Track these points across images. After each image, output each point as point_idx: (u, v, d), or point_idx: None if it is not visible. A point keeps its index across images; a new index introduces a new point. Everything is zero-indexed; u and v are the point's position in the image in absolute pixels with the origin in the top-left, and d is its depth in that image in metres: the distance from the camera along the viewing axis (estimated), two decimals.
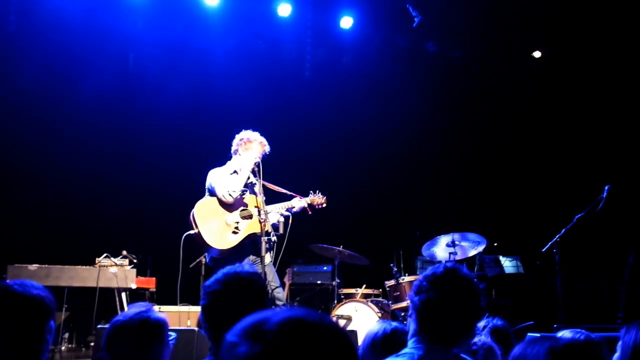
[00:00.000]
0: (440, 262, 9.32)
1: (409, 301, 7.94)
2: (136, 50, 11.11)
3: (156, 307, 7.60)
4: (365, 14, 11.17)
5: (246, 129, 10.83)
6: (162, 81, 11.00)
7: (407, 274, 8.78)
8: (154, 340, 3.03)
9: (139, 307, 3.11)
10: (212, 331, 2.62)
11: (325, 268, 10.14)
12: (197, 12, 10.81)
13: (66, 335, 8.94)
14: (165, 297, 9.10)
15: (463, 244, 8.74)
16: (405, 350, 2.64)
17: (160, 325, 3.07)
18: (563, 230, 8.34)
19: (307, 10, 11.14)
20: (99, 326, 6.92)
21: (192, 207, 11.04)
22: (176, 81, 11.06)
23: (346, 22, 11.17)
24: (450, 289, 2.65)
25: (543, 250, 8.56)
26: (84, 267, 8.71)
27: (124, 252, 8.88)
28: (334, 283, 8.78)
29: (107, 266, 8.65)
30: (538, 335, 4.46)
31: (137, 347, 2.95)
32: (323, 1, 11.15)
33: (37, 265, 8.63)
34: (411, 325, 2.71)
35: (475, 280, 2.76)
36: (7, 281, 2.56)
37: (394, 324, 3.51)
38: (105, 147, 10.64)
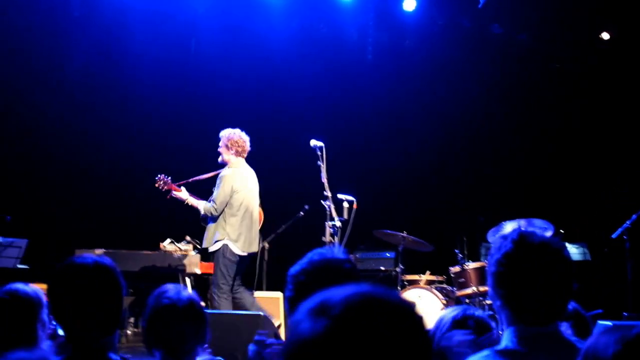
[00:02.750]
0: None
1: (474, 288, 7.82)
2: (198, 35, 11.18)
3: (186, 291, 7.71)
4: None
5: (309, 113, 10.86)
6: (223, 66, 11.06)
7: (471, 261, 8.64)
8: (204, 321, 3.04)
9: (174, 288, 3.10)
10: None
11: (388, 254, 10.05)
12: None
13: (131, 319, 9.07)
14: None
15: (529, 230, 8.53)
16: (505, 342, 2.33)
17: (202, 307, 3.10)
18: (634, 216, 8.11)
19: None
20: None
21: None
22: (237, 66, 11.10)
23: (409, 4, 11.01)
24: (538, 263, 2.31)
25: (613, 236, 8.35)
26: (149, 252, 8.81)
27: (188, 238, 8.95)
28: (397, 269, 8.72)
29: (171, 251, 8.73)
30: (610, 323, 4.29)
31: (186, 330, 2.96)
32: None
33: (103, 249, 8.76)
34: (501, 315, 2.40)
35: (555, 243, 2.40)
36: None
37: (479, 311, 3.33)
38: (167, 133, 10.75)
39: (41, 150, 10.30)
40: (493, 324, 3.27)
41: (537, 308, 2.32)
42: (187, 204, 7.67)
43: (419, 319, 1.15)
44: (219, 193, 7.57)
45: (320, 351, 1.07)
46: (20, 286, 3.01)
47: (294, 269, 2.48)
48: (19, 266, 8.05)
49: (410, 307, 1.16)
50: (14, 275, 7.75)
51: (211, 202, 7.58)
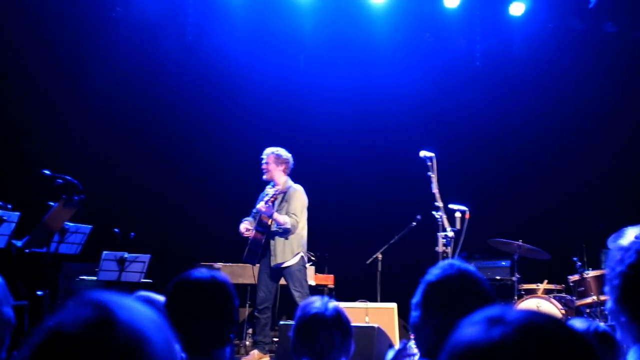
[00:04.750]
0: None
1: (594, 297, 7.47)
2: (306, 50, 11.36)
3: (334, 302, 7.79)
4: None
5: (418, 123, 10.82)
6: (331, 80, 11.19)
7: (590, 269, 8.35)
8: (349, 332, 3.10)
9: (320, 299, 3.17)
10: (435, 331, 2.40)
11: (503, 263, 9.88)
12: (364, 10, 10.91)
13: (250, 330, 9.27)
14: (342, 293, 9.24)
15: None
16: None
17: (348, 319, 3.15)
18: None
19: None
20: (280, 322, 7.15)
21: (365, 205, 11.16)
22: (345, 78, 11.21)
23: (517, 8, 10.83)
24: None
25: None
26: None
27: None
28: (513, 278, 8.54)
29: None
30: None
31: (334, 338, 3.02)
32: None
33: (222, 263, 9.05)
34: (626, 332, 2.21)
35: None
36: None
37: (602, 325, 3.21)
38: (280, 146, 10.96)
39: (162, 169, 10.73)
40: (619, 338, 3.11)
41: None
42: (274, 218, 7.74)
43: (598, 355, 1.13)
44: (297, 207, 7.79)
45: (494, 357, 1.05)
46: (152, 295, 3.18)
47: (432, 277, 2.45)
48: (143, 280, 8.42)
49: (590, 342, 1.13)
50: (139, 289, 8.10)
51: (291, 215, 7.73)
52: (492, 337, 1.06)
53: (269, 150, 7.94)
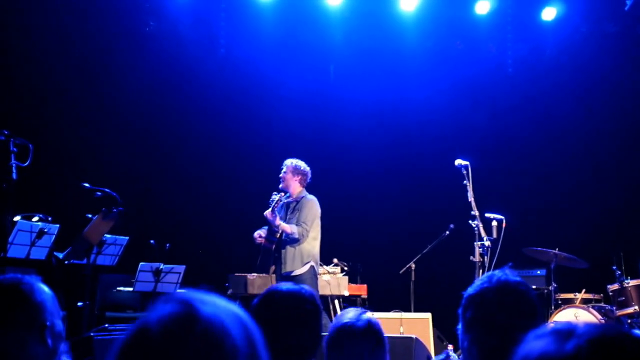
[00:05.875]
0: None
1: (635, 307, 7.36)
2: (336, 61, 11.38)
3: (369, 313, 7.79)
4: (569, 2, 10.68)
5: (453, 132, 10.77)
6: (361, 90, 11.20)
7: (629, 277, 8.24)
8: (381, 343, 3.06)
9: (354, 311, 3.16)
10: (478, 345, 2.37)
11: (539, 272, 9.77)
12: (394, 19, 10.90)
13: None
14: (376, 303, 9.21)
15: None
16: None
17: (380, 329, 3.11)
18: None
19: (507, 4, 10.85)
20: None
21: (398, 215, 11.12)
22: (376, 88, 11.21)
23: (549, 13, 10.75)
24: None
25: None
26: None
27: (335, 260, 9.09)
28: (550, 287, 8.46)
29: (320, 274, 8.87)
30: None
31: (364, 349, 2.99)
32: None
33: (255, 274, 9.03)
34: None
35: None
36: None
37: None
38: (312, 157, 10.97)
39: (197, 182, 10.82)
40: None
41: None
42: (277, 225, 7.72)
43: None
44: (308, 216, 7.79)
45: None
46: None
47: (475, 289, 2.42)
48: (179, 291, 8.45)
49: None
50: None
51: (301, 224, 7.74)
52: (566, 350, 1.08)
53: (288, 161, 8.02)
